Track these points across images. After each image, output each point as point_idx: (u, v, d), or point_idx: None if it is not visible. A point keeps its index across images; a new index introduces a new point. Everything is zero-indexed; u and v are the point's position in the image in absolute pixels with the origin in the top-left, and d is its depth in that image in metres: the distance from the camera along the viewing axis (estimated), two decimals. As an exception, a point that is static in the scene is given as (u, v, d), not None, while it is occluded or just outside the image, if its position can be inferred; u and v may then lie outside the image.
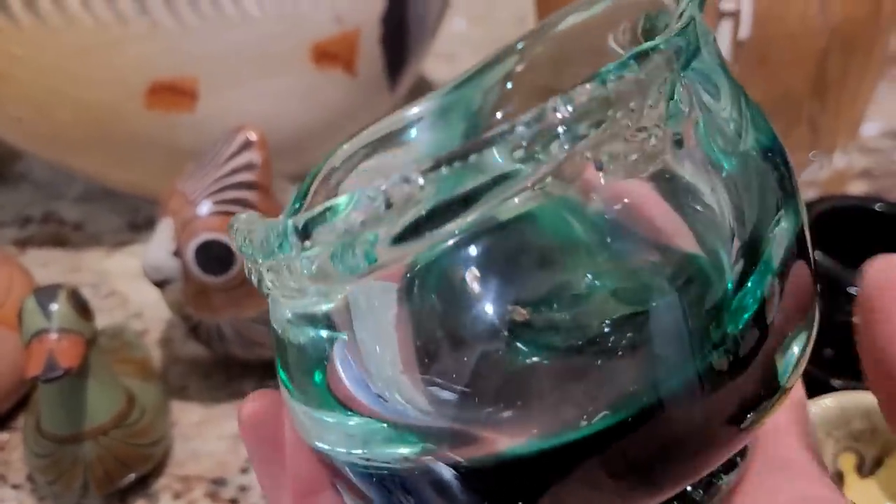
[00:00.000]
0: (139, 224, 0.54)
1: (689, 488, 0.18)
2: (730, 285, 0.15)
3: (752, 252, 0.16)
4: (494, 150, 0.13)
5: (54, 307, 0.32)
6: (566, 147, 0.13)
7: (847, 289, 0.33)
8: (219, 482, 0.37)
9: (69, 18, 0.42)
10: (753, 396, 0.16)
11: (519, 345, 0.15)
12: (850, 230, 0.37)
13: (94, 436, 0.34)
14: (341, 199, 0.14)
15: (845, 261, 0.34)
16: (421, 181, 0.13)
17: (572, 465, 0.15)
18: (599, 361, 0.15)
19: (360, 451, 0.16)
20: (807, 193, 0.45)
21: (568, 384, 0.15)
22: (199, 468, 0.38)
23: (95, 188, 0.56)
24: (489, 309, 0.15)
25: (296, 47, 0.46)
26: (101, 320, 0.44)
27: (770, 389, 0.16)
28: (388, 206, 0.13)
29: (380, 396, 0.16)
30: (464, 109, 0.23)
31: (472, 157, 0.13)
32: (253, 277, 0.16)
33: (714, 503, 0.18)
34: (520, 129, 0.13)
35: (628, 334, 0.15)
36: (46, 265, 0.51)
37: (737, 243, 0.15)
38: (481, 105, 0.23)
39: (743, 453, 0.19)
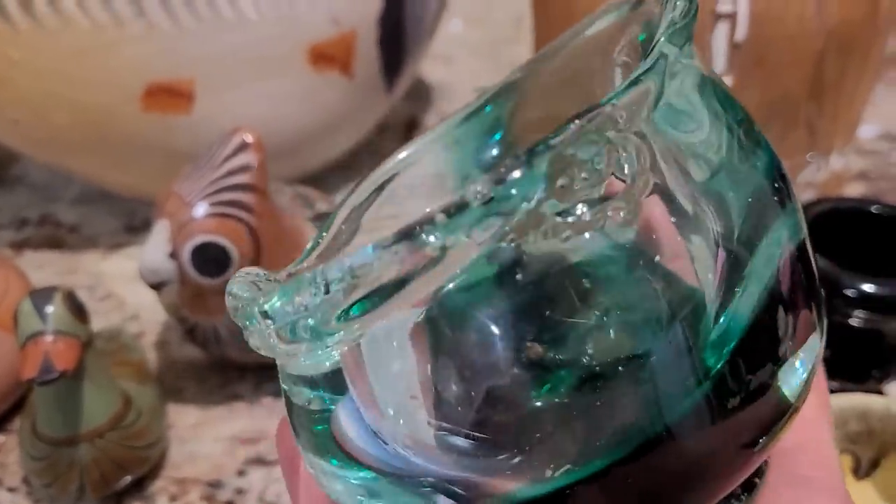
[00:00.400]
0: (136, 226, 0.54)
1: None
2: (711, 311, 0.15)
3: (736, 274, 0.16)
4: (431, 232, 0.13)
5: (50, 309, 0.32)
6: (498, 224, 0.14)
7: (844, 291, 0.33)
8: (215, 485, 0.37)
9: (66, 21, 0.41)
10: (761, 419, 0.16)
11: (530, 386, 0.15)
12: (846, 232, 0.37)
13: (90, 438, 0.33)
14: (289, 284, 0.14)
15: (842, 263, 0.34)
16: (350, 264, 0.14)
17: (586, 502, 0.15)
18: (608, 399, 0.15)
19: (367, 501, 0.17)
20: (804, 195, 0.45)
21: (577, 423, 0.15)
22: (195, 470, 0.38)
23: (92, 190, 0.56)
24: (501, 352, 0.15)
25: (292, 49, 0.46)
26: (98, 322, 0.44)
27: (778, 409, 0.16)
28: (327, 290, 0.14)
29: (386, 447, 0.16)
30: (475, 140, 0.23)
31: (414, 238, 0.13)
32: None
33: None
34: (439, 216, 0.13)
35: (633, 371, 0.15)
36: (43, 267, 0.51)
37: (721, 268, 0.15)
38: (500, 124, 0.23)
39: (760, 472, 0.19)
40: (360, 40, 0.48)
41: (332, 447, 0.17)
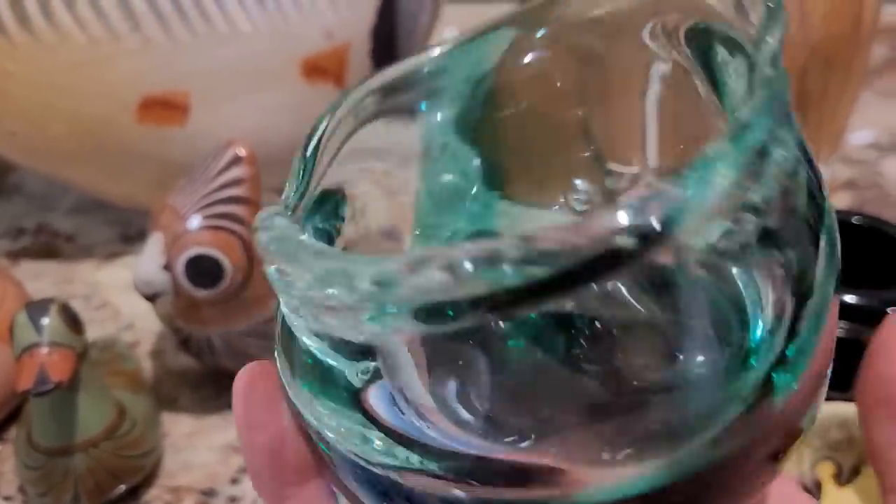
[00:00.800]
0: (131, 236, 0.54)
1: None
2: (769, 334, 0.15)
3: (800, 315, 0.15)
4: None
5: (45, 321, 0.32)
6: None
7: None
8: (209, 493, 0.38)
9: (62, 35, 0.42)
10: (782, 444, 0.16)
11: (552, 380, 0.15)
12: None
13: (85, 448, 0.34)
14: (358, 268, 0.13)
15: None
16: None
17: None
18: (629, 402, 0.15)
19: (369, 455, 0.16)
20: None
21: (594, 425, 0.15)
22: (189, 479, 0.39)
23: (88, 200, 0.57)
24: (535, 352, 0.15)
25: (286, 62, 0.46)
26: (93, 332, 0.44)
27: (795, 435, 0.16)
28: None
29: (402, 416, 0.15)
30: (478, 63, 0.21)
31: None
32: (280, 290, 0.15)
33: None
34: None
35: (662, 378, 0.15)
36: (39, 277, 0.51)
37: (786, 306, 0.15)
38: (500, 60, 0.21)
39: None
40: (354, 53, 0.49)
41: (345, 399, 0.16)
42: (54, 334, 0.32)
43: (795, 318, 0.15)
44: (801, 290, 0.15)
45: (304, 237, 0.14)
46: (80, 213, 0.57)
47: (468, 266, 0.11)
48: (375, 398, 0.16)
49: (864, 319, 0.34)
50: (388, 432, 0.15)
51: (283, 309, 0.16)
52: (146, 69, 0.44)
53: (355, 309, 0.13)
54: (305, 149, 0.18)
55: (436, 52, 0.20)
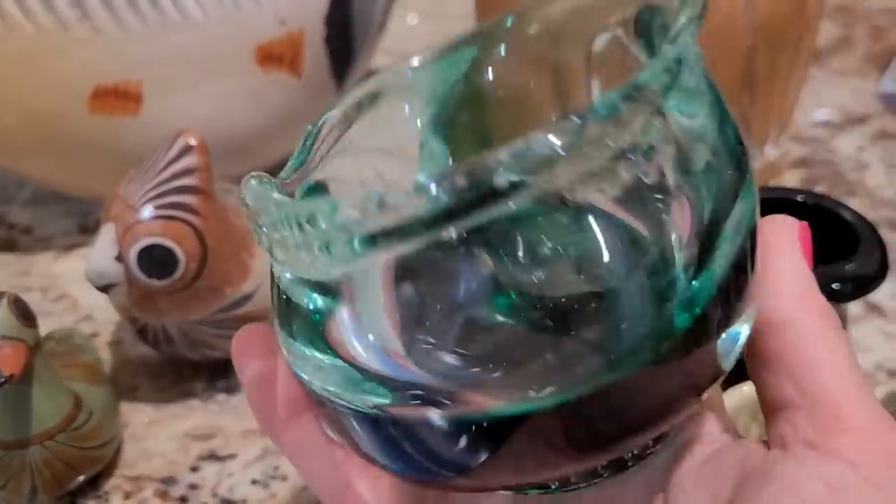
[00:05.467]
0: (89, 227, 0.54)
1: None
2: (682, 272, 0.17)
3: (709, 246, 0.17)
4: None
5: (-4, 315, 0.32)
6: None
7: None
8: (168, 481, 0.38)
9: (9, 26, 0.42)
10: (698, 377, 0.18)
11: (495, 313, 0.17)
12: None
13: (41, 440, 0.34)
14: (333, 200, 0.15)
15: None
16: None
17: (527, 424, 0.16)
18: (560, 330, 0.17)
19: (338, 391, 0.18)
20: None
21: (529, 352, 0.17)
22: (149, 468, 0.39)
23: (45, 192, 0.56)
24: (472, 279, 0.17)
25: (239, 49, 0.46)
26: (51, 324, 0.44)
27: (712, 371, 0.18)
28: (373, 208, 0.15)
29: (372, 351, 0.17)
30: (452, 70, 0.24)
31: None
32: (262, 243, 0.18)
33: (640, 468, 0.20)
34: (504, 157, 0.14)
35: (591, 308, 0.17)
36: (-4, 270, 0.51)
37: (696, 237, 0.17)
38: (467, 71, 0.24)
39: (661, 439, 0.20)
40: (308, 39, 0.49)
41: (320, 341, 0.18)
42: (5, 328, 0.32)
43: (701, 260, 0.17)
44: (705, 236, 0.17)
45: (274, 194, 0.17)
46: (37, 205, 0.56)
47: (393, 199, 0.14)
48: (341, 335, 0.18)
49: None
50: (346, 357, 0.18)
51: (271, 263, 0.19)
52: (97, 59, 0.43)
53: (308, 244, 0.16)
54: (306, 138, 0.21)
55: (414, 62, 0.23)
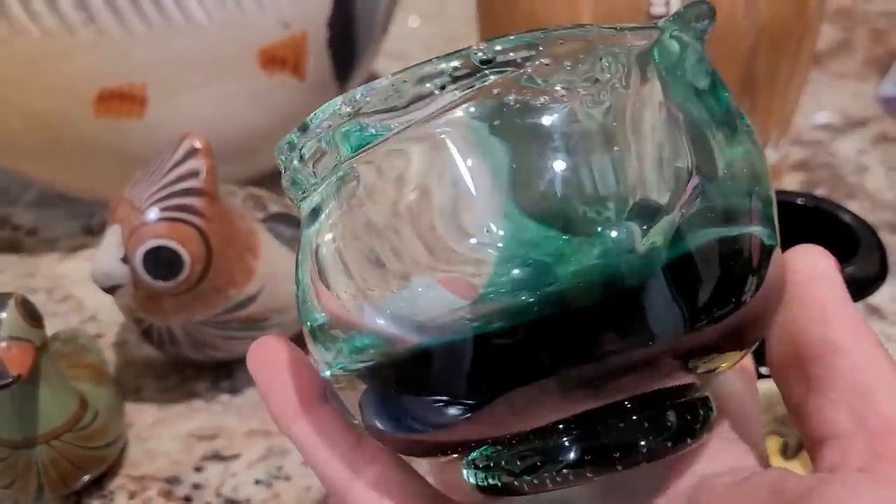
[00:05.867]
0: (94, 228, 0.54)
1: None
2: (665, 221, 0.17)
3: (705, 210, 0.18)
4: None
5: (3, 316, 0.32)
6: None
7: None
8: (173, 481, 0.38)
9: (16, 30, 0.42)
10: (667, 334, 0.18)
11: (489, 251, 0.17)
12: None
13: (47, 440, 0.34)
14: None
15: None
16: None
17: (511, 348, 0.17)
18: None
19: (341, 360, 0.19)
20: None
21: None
22: (153, 468, 0.39)
23: (50, 193, 0.57)
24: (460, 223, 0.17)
25: (243, 52, 0.47)
26: (56, 324, 0.44)
27: (693, 344, 0.18)
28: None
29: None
30: None
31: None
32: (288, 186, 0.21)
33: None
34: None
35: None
36: (1, 271, 0.51)
37: (691, 192, 0.17)
38: None
39: (694, 428, 0.20)
40: (311, 42, 0.49)
41: (312, 300, 0.20)
42: (13, 328, 0.32)
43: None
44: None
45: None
46: (42, 207, 0.57)
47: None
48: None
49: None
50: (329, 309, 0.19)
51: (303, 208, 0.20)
52: (102, 62, 0.44)
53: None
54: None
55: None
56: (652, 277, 0.17)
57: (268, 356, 0.22)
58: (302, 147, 0.19)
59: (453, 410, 0.18)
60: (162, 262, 0.36)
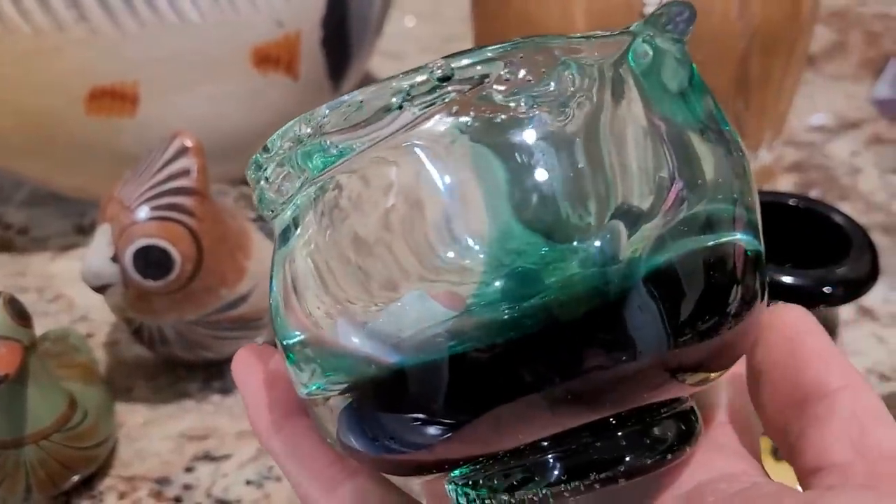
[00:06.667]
0: (85, 227, 0.54)
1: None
2: (645, 229, 0.17)
3: (688, 219, 0.17)
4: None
5: (-8, 315, 0.32)
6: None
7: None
8: (163, 481, 0.38)
9: (7, 27, 0.42)
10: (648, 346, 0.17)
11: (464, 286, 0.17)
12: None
13: (36, 440, 0.34)
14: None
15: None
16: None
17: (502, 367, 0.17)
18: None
19: (316, 378, 0.19)
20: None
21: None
22: (143, 468, 0.39)
23: (41, 192, 0.56)
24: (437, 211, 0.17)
25: (236, 51, 0.46)
26: (47, 324, 0.44)
27: (684, 358, 0.18)
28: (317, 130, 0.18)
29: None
30: None
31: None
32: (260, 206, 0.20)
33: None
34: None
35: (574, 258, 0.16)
36: (-8, 270, 0.51)
37: (674, 199, 0.17)
38: None
39: (679, 442, 0.19)
40: (305, 41, 0.49)
41: (284, 319, 0.19)
42: (1, 327, 0.32)
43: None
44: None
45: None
46: (34, 206, 0.56)
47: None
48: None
49: (799, 299, 0.35)
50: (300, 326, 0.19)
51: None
52: (94, 60, 0.44)
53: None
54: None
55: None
56: (634, 287, 0.17)
57: (249, 368, 0.22)
58: (266, 167, 0.19)
59: (433, 430, 0.17)
60: (152, 261, 0.36)
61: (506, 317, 0.16)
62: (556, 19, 0.42)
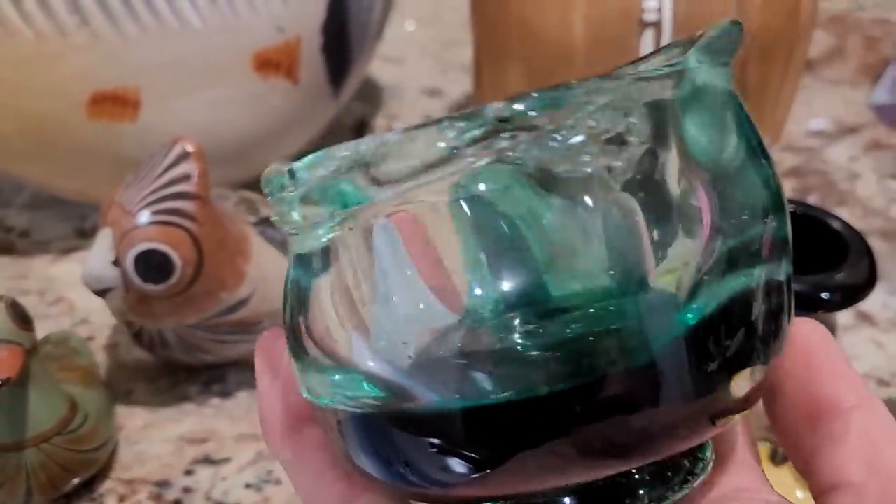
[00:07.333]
0: (87, 231, 0.54)
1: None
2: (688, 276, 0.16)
3: (727, 261, 0.17)
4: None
5: (-7, 318, 0.32)
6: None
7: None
8: (163, 485, 0.38)
9: (9, 31, 0.42)
10: (706, 399, 0.17)
11: (487, 325, 0.16)
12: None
13: (36, 443, 0.34)
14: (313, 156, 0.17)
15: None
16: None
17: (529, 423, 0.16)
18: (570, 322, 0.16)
19: (332, 396, 0.18)
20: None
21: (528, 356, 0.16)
22: (143, 471, 0.39)
23: (43, 195, 0.57)
24: (458, 288, 0.16)
25: (237, 56, 0.47)
26: (48, 327, 0.44)
27: (724, 403, 0.17)
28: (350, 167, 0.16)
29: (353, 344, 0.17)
30: None
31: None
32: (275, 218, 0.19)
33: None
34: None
35: (603, 319, 0.16)
36: (-7, 273, 0.51)
37: (709, 245, 0.17)
38: None
39: (695, 470, 0.19)
40: (305, 47, 0.49)
41: (304, 340, 0.18)
42: (2, 331, 0.32)
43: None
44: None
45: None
46: (35, 209, 0.57)
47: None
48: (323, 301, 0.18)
49: (797, 305, 0.35)
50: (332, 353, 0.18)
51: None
52: (95, 65, 0.44)
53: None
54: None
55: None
56: (676, 337, 0.16)
57: (269, 357, 0.21)
58: (291, 190, 0.18)
59: (459, 469, 0.17)
60: (153, 265, 0.36)
61: (543, 358, 0.16)
62: (555, 25, 0.42)
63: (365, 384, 0.17)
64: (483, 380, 0.16)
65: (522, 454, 0.16)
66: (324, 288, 0.18)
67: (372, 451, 0.18)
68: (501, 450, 0.16)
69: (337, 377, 0.18)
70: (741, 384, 0.17)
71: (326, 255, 0.18)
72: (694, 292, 0.16)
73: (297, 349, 0.18)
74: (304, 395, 0.19)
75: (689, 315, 0.16)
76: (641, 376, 0.16)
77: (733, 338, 0.17)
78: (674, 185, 0.17)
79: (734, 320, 0.17)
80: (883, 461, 0.19)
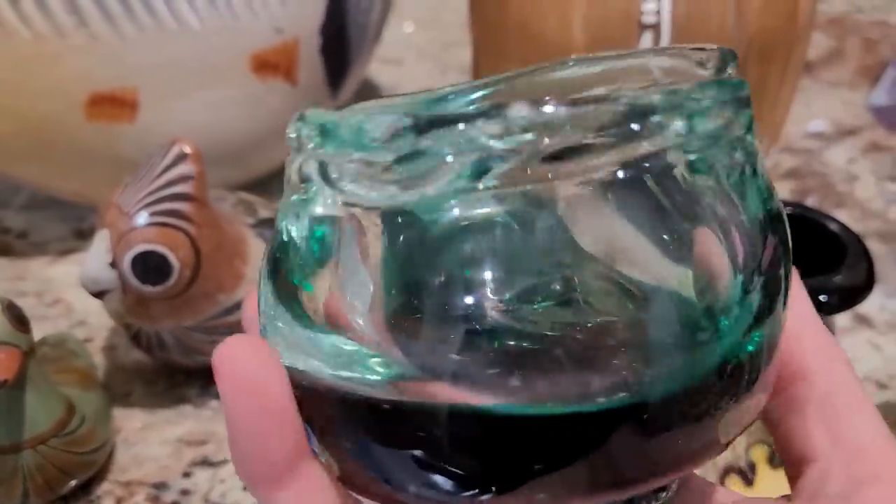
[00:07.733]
0: (84, 232, 0.54)
1: None
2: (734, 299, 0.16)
3: (759, 293, 0.17)
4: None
5: (-10, 320, 0.32)
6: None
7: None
8: (160, 486, 0.38)
9: (7, 33, 0.42)
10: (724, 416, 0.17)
11: (507, 324, 0.16)
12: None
13: (33, 445, 0.34)
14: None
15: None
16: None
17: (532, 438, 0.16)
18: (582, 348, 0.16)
19: (336, 371, 0.17)
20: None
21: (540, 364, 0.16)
22: (141, 473, 0.39)
23: (41, 196, 0.57)
24: (481, 292, 0.15)
25: (235, 58, 0.47)
26: (46, 328, 0.44)
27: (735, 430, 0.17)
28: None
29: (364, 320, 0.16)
30: None
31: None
32: (294, 168, 0.18)
33: None
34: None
35: (618, 326, 0.16)
36: (-9, 274, 0.51)
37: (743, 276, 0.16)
38: None
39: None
40: (303, 48, 0.49)
41: (314, 314, 0.17)
42: (0, 333, 0.32)
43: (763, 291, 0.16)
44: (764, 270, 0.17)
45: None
46: (33, 210, 0.57)
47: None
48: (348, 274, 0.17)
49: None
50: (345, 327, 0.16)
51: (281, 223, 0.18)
52: (94, 66, 0.44)
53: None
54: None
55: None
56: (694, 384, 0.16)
57: (240, 372, 0.17)
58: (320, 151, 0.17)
59: (472, 487, 0.16)
60: (150, 267, 0.36)
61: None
62: (554, 27, 0.42)
63: (374, 361, 0.16)
64: (513, 383, 0.16)
65: (547, 472, 0.16)
66: (350, 256, 0.17)
67: (360, 438, 0.17)
68: (526, 466, 0.16)
69: (347, 347, 0.17)
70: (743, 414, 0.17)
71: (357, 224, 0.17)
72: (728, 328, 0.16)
73: (297, 312, 0.17)
74: (299, 371, 0.17)
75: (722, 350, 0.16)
76: (664, 407, 0.16)
77: (742, 381, 0.17)
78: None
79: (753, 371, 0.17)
80: (844, 432, 0.18)
